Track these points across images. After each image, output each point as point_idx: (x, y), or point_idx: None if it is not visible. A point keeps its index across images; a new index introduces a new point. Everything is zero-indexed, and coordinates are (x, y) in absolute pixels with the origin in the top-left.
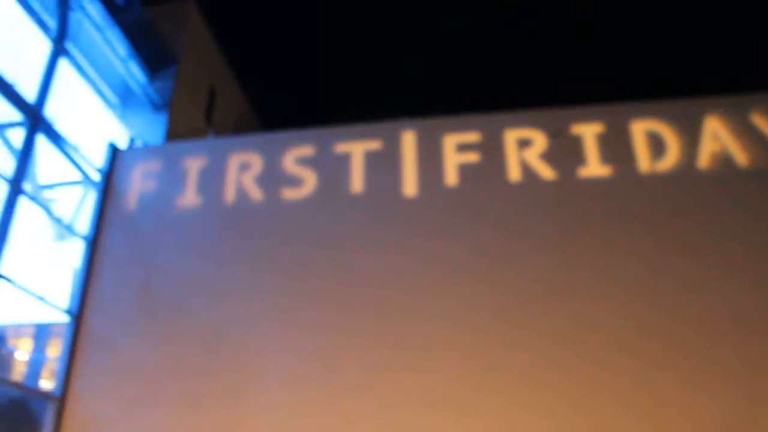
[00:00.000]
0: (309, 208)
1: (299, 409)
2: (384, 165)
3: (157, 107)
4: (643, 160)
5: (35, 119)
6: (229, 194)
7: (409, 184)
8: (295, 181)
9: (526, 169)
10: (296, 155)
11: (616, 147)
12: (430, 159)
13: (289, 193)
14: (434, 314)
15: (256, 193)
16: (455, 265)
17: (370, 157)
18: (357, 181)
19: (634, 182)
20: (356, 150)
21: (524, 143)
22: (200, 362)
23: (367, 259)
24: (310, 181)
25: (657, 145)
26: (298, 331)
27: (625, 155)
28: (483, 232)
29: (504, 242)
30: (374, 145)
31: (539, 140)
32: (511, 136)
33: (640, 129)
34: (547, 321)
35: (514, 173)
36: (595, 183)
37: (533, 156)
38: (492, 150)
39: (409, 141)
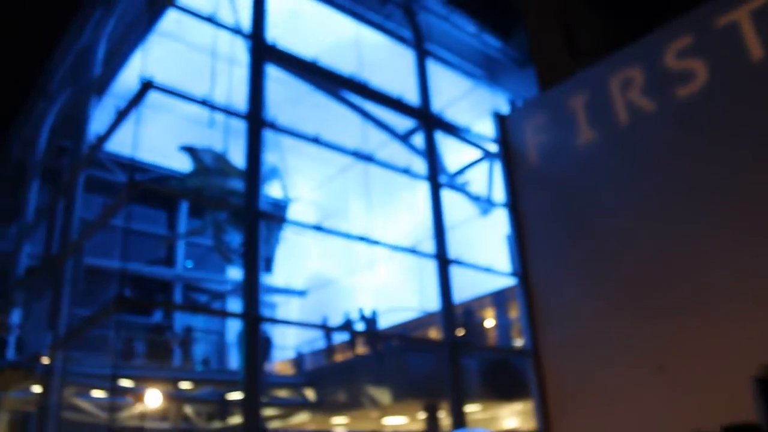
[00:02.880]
0: (711, 96)
1: None
2: None
3: (521, 64)
4: None
5: (427, 119)
6: (622, 116)
7: None
8: (685, 76)
9: None
10: (677, 49)
11: None
12: None
13: (683, 91)
14: None
15: (648, 105)
16: None
17: (762, 15)
18: (755, 48)
19: None
20: (741, 15)
21: None
22: (650, 296)
23: None
24: (700, 69)
25: None
26: (750, 239)
27: None
28: None
29: None
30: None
31: None
32: None
33: None
34: None
35: None
36: None
37: None
38: None
39: None
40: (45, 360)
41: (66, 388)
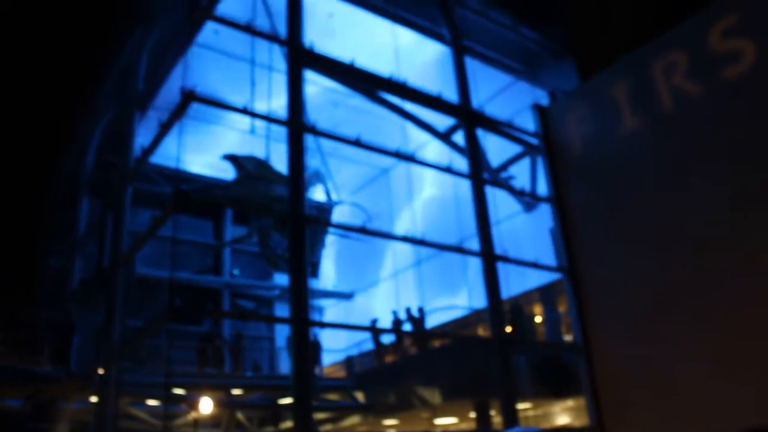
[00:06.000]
0: (761, 76)
1: None
2: None
3: (560, 55)
4: None
5: (467, 116)
6: (667, 101)
7: None
8: (731, 57)
9: None
10: (721, 30)
11: None
12: None
13: (730, 72)
14: None
15: (694, 88)
16: None
17: None
18: None
19: None
20: None
21: None
22: (707, 288)
23: None
24: (747, 49)
25: None
26: None
27: None
28: None
29: None
30: None
31: None
32: None
33: None
34: None
35: None
36: None
37: None
38: None
39: None
40: (100, 371)
41: (121, 398)
